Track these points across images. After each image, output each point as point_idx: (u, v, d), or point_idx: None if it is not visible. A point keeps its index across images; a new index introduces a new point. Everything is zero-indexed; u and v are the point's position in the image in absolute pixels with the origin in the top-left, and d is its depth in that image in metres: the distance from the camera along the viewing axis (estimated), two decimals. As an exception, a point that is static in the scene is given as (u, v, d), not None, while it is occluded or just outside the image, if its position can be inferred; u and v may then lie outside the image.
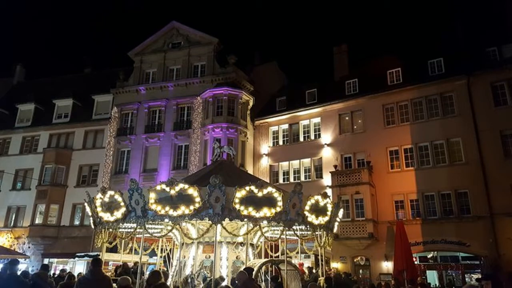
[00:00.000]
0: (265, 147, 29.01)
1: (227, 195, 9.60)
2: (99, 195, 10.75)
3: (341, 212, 12.87)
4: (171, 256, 15.22)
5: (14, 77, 40.42)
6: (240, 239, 12.84)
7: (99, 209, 10.83)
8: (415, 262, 18.39)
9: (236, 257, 12.72)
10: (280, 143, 28.77)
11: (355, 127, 26.18)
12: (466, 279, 20.49)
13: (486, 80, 22.24)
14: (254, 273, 9.74)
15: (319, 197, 11.13)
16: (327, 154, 26.25)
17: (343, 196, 23.31)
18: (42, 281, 8.82)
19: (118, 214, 10.22)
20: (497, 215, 20.14)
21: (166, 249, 14.94)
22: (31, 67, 71.17)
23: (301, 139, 27.95)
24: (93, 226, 11.91)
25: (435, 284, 20.85)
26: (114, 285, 7.87)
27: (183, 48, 31.44)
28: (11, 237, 29.55)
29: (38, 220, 29.11)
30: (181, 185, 9.64)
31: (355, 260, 23.29)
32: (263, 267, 12.05)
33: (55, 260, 28.20)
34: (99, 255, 13.74)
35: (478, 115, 22.03)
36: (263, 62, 35.00)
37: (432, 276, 21.48)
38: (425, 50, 26.35)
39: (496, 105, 21.83)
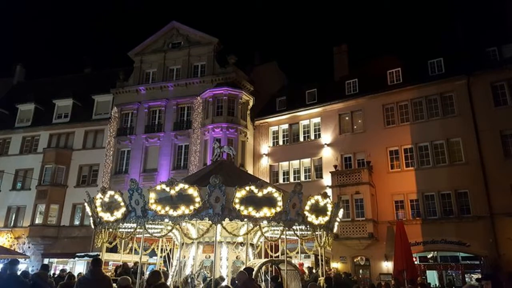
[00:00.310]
0: (265, 147, 29.01)
1: (227, 195, 9.60)
2: (99, 195, 10.75)
3: (341, 212, 12.87)
4: (171, 256, 15.22)
5: (14, 77, 40.43)
6: (240, 239, 12.84)
7: (99, 209, 10.83)
8: (415, 262, 18.39)
9: (236, 257, 12.72)
10: (280, 143, 28.77)
11: (355, 127, 26.17)
12: (466, 279, 20.49)
13: (486, 80, 22.24)
14: (254, 273, 9.74)
15: (319, 197, 11.14)
16: (327, 154, 26.25)
17: (343, 196, 23.31)
18: (42, 281, 8.82)
19: (118, 214, 10.22)
20: (497, 215, 20.14)
21: (166, 249, 14.94)
22: (31, 67, 71.22)
23: (301, 139, 27.95)
24: (93, 226, 11.91)
25: (435, 284, 20.85)
26: (114, 285, 7.87)
27: (183, 48, 31.44)
28: (11, 237, 29.55)
29: (38, 220, 29.11)
30: (181, 185, 9.64)
31: (355, 260, 23.29)
32: (263, 267, 12.05)
33: (55, 260, 28.20)
34: (99, 255, 13.74)
35: (478, 115, 22.03)
36: (263, 62, 35.02)
37: (432, 276, 21.48)
38: (425, 50, 26.35)
39: (496, 105, 21.83)
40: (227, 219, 9.88)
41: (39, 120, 33.36)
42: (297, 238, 11.70)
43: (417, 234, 21.32)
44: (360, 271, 23.30)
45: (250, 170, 27.32)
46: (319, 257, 14.06)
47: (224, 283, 10.27)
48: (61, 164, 30.53)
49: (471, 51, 24.01)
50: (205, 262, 12.64)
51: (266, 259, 12.97)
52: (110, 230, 11.52)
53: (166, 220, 10.10)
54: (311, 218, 10.81)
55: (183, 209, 9.57)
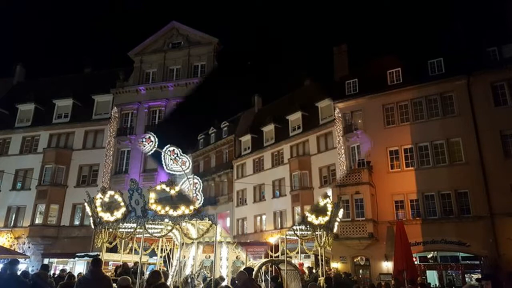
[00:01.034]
0: (265, 147, 28.96)
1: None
2: (99, 195, 10.73)
3: (341, 212, 12.86)
4: (171, 256, 15.21)
5: (14, 77, 40.38)
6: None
7: (99, 209, 10.82)
8: (415, 262, 18.37)
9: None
10: (280, 143, 28.79)
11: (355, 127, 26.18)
12: (466, 279, 20.50)
13: (486, 80, 22.25)
14: (254, 273, 9.74)
15: (319, 197, 11.13)
16: (327, 154, 26.25)
17: (343, 196, 23.23)
18: (42, 281, 8.82)
19: (118, 214, 10.21)
20: (497, 215, 20.16)
21: (166, 249, 14.92)
22: (31, 67, 71.34)
23: (301, 139, 27.96)
24: (93, 226, 11.87)
25: (435, 284, 20.86)
26: (114, 285, 7.86)
27: (183, 48, 31.46)
28: (11, 237, 29.52)
29: (38, 220, 29.09)
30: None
31: (355, 260, 23.30)
32: (263, 267, 12.05)
33: (55, 260, 28.15)
34: (99, 255, 13.71)
35: (478, 115, 22.04)
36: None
37: (432, 276, 21.49)
38: (425, 50, 26.29)
39: (496, 105, 21.85)
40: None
41: (39, 120, 33.32)
42: (297, 238, 11.70)
43: (417, 234, 21.32)
44: (360, 271, 23.31)
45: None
46: (319, 257, 14.06)
47: (224, 283, 10.27)
48: (61, 164, 30.51)
49: (471, 51, 23.98)
50: (205, 262, 12.65)
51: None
52: (110, 230, 11.49)
53: (166, 220, 10.10)
54: (311, 218, 10.83)
55: (183, 209, 9.58)
